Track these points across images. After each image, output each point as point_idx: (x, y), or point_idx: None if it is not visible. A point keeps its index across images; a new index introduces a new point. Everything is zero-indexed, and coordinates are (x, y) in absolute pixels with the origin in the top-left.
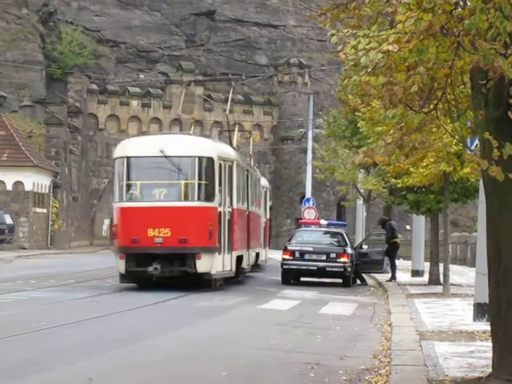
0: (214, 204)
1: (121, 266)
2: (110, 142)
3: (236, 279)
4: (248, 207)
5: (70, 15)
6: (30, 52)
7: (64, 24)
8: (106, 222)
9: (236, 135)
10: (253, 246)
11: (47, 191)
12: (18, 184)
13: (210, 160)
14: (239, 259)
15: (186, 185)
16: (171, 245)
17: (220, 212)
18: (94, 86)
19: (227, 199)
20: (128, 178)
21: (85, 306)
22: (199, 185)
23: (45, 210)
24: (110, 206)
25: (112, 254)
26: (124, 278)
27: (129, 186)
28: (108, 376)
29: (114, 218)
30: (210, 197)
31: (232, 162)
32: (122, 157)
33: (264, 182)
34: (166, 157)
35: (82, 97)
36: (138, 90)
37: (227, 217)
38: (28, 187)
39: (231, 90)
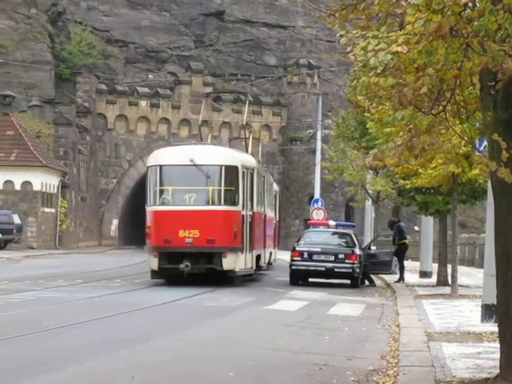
0: (238, 208)
1: (154, 263)
2: (118, 142)
3: (252, 276)
4: (264, 210)
5: (78, 15)
6: (39, 52)
7: (73, 24)
8: (115, 222)
9: (251, 142)
10: (267, 245)
11: (55, 191)
12: (26, 184)
13: (235, 168)
14: (258, 258)
15: (213, 190)
16: (200, 244)
17: (243, 215)
18: (103, 86)
19: (249, 203)
20: (161, 184)
21: (93, 306)
22: (225, 190)
23: (53, 210)
24: (118, 206)
25: (120, 255)
26: (156, 274)
27: (162, 192)
28: (115, 375)
29: (148, 220)
30: (234, 201)
31: (253, 169)
32: (156, 165)
33: (275, 185)
34: (195, 165)
35: (91, 97)
36: (146, 90)
37: (249, 219)
38: (36, 187)
39: (247, 102)
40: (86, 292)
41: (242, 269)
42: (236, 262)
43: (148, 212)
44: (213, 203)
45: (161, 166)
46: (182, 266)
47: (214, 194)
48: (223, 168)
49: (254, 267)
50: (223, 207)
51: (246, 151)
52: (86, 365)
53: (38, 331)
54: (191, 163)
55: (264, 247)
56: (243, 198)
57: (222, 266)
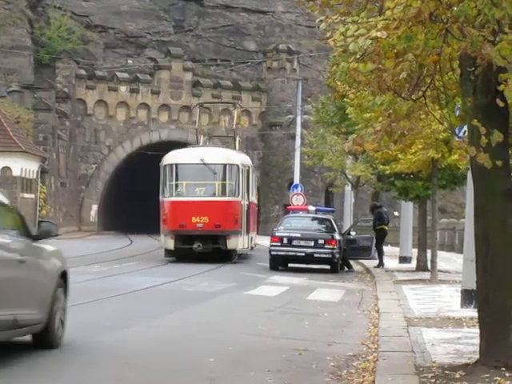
0: (238, 199)
1: (170, 244)
2: (98, 127)
3: (247, 254)
4: (253, 199)
5: (58, 0)
6: (18, 37)
7: (52, 9)
8: (94, 207)
9: (238, 143)
10: (254, 229)
11: (35, 177)
12: (5, 169)
13: (236, 166)
14: (251, 239)
15: (219, 184)
16: (209, 229)
17: (241, 204)
18: (83, 72)
19: (245, 195)
20: (177, 179)
21: (72, 291)
22: (228, 184)
23: (33, 196)
24: (97, 192)
25: (99, 240)
26: (171, 253)
27: (177, 185)
28: (95, 361)
29: (165, 208)
30: (235, 193)
31: (249, 167)
32: (172, 163)
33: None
34: (204, 164)
35: (71, 82)
36: (126, 75)
37: (245, 208)
38: (16, 173)
39: (235, 111)
40: None
41: (241, 248)
42: (237, 242)
43: (165, 202)
44: (219, 195)
45: (177, 165)
46: (195, 246)
47: (219, 187)
48: (227, 166)
49: (250, 247)
50: (227, 198)
51: (235, 148)
52: (65, 349)
53: None
54: (201, 162)
55: (254, 231)
56: (242, 190)
57: (226, 246)
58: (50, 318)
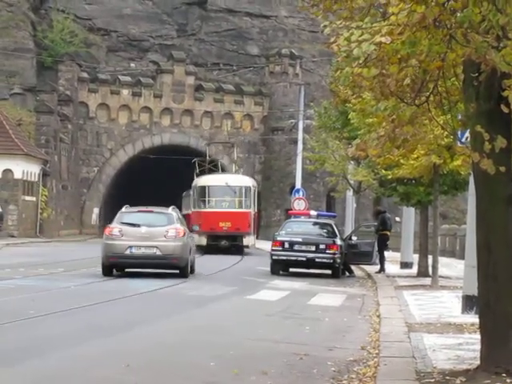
0: (250, 210)
1: (203, 241)
2: (100, 130)
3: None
4: (256, 210)
5: (61, 3)
6: (21, 40)
7: (55, 12)
8: (96, 210)
9: (236, 150)
10: (255, 231)
11: (36, 179)
12: (7, 172)
13: (249, 187)
14: (255, 238)
15: (238, 200)
16: (231, 231)
17: (251, 214)
18: (85, 75)
19: (253, 207)
20: (209, 196)
21: (73, 294)
22: (244, 200)
23: (34, 199)
24: (99, 195)
25: (100, 243)
26: (203, 248)
27: (209, 201)
28: (94, 364)
29: (200, 216)
30: (248, 206)
31: (255, 187)
32: (205, 185)
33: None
34: (228, 186)
35: (73, 85)
36: (128, 78)
37: (253, 216)
38: (17, 175)
39: (235, 150)
40: (67, 280)
41: (251, 245)
42: (249, 240)
43: (200, 212)
44: (238, 207)
45: (209, 186)
46: (222, 243)
47: (238, 202)
48: (243, 187)
49: (254, 243)
50: (243, 210)
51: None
52: (67, 353)
53: (18, 320)
54: (226, 185)
55: (255, 232)
56: (251, 204)
57: (242, 243)
58: None
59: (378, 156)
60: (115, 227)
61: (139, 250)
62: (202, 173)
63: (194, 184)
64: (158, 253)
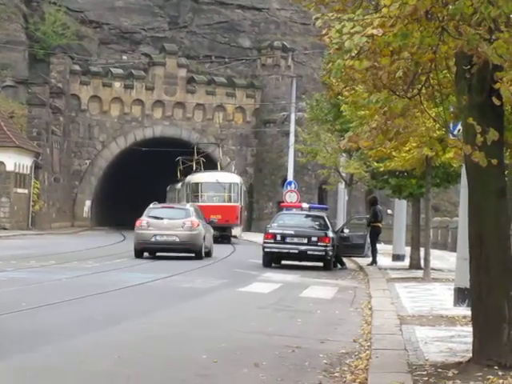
0: (238, 204)
1: None
2: (92, 123)
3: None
4: (243, 204)
5: None
6: (13, 32)
7: (47, 4)
8: (88, 203)
9: (221, 150)
10: (242, 223)
11: (28, 172)
12: None
13: (237, 184)
14: (242, 229)
15: (227, 195)
16: (221, 222)
17: (239, 207)
18: (77, 67)
19: (240, 201)
20: (201, 192)
21: (65, 287)
22: (232, 195)
23: (26, 191)
24: (91, 187)
25: (93, 236)
26: None
27: (202, 195)
28: (86, 357)
29: None
30: (236, 200)
31: (242, 183)
32: (199, 182)
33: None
34: (218, 182)
35: (65, 78)
36: (120, 71)
37: (240, 210)
38: (9, 167)
39: (220, 150)
40: (58, 273)
41: (239, 235)
42: (237, 231)
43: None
44: (227, 201)
45: (201, 183)
46: (213, 233)
47: (227, 197)
48: (232, 184)
49: (241, 233)
50: (232, 204)
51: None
52: (59, 346)
53: (10, 312)
54: (216, 181)
55: (242, 224)
56: (239, 199)
57: (231, 233)
58: None
59: (370, 148)
60: (144, 220)
61: (162, 237)
62: (187, 169)
63: (187, 180)
64: (177, 240)
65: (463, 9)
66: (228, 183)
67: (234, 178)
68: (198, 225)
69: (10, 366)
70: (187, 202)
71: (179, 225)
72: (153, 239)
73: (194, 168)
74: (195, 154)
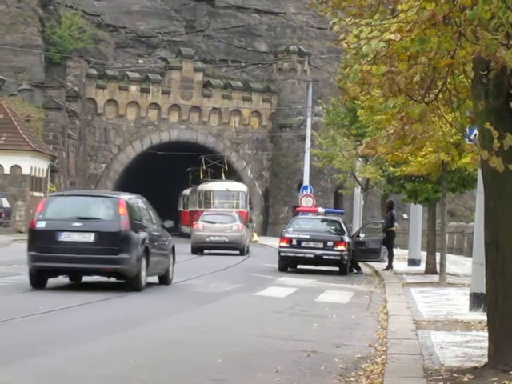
0: (245, 209)
1: None
2: (108, 126)
3: None
4: (248, 210)
5: None
6: (30, 36)
7: (64, 8)
8: None
9: (224, 171)
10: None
11: (44, 175)
12: (15, 168)
13: (244, 192)
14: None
15: (236, 202)
16: None
17: (246, 212)
18: (93, 71)
19: (247, 207)
20: (213, 198)
21: (82, 290)
22: (240, 202)
23: (42, 194)
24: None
25: None
26: None
27: (213, 202)
28: (100, 361)
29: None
30: (244, 207)
31: (248, 191)
32: (210, 190)
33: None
34: (228, 191)
35: (81, 81)
36: (137, 75)
37: (246, 215)
38: (25, 171)
39: (224, 164)
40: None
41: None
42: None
43: (205, 211)
44: (235, 208)
45: (213, 191)
46: None
47: (236, 203)
48: (240, 192)
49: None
50: (240, 209)
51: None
52: (74, 350)
53: (26, 315)
54: (226, 190)
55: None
56: (245, 205)
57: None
58: None
59: (387, 153)
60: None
61: (214, 238)
62: (196, 179)
63: (199, 188)
64: (226, 240)
65: (481, 14)
66: (236, 191)
67: (242, 187)
68: (243, 228)
69: (24, 370)
70: (200, 207)
71: (228, 228)
72: (207, 239)
73: (202, 177)
74: (203, 164)
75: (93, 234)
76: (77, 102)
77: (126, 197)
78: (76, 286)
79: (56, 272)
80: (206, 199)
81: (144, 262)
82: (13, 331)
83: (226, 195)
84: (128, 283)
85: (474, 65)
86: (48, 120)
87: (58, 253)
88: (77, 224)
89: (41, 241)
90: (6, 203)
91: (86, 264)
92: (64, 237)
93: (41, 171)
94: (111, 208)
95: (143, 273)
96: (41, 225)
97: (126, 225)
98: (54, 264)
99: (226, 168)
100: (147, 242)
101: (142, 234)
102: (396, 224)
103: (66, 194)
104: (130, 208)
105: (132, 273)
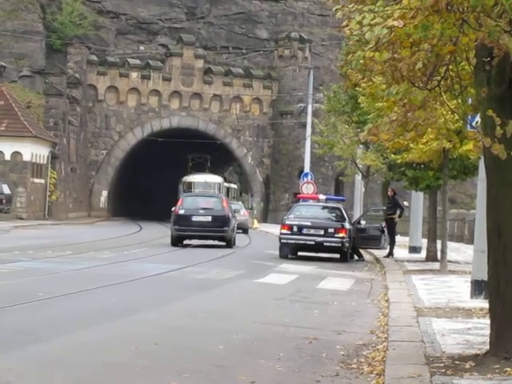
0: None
1: None
2: (108, 113)
3: None
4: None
5: None
6: (30, 22)
7: None
8: (104, 193)
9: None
10: None
11: (45, 162)
12: (16, 154)
13: (220, 183)
14: None
15: (212, 191)
16: None
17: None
18: (94, 57)
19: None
20: (193, 188)
21: (81, 277)
22: (216, 191)
23: (43, 181)
24: (107, 178)
25: (109, 226)
26: None
27: (194, 191)
28: (103, 348)
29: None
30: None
31: (223, 182)
32: (191, 181)
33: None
34: (206, 182)
35: (82, 68)
36: (137, 61)
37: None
38: (26, 157)
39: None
40: (75, 263)
41: None
42: None
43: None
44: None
45: (193, 182)
46: None
47: (212, 192)
48: (216, 183)
49: None
50: None
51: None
52: (75, 336)
53: (26, 302)
54: (204, 181)
55: None
56: (221, 193)
57: None
58: None
59: (389, 140)
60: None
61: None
62: (196, 166)
63: (183, 180)
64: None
65: (484, 0)
66: (213, 183)
67: (218, 179)
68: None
69: (26, 356)
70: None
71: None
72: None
73: (189, 171)
74: (190, 161)
75: (210, 217)
76: (77, 88)
77: (225, 197)
78: (77, 274)
79: (190, 237)
80: (188, 189)
81: (234, 233)
82: (13, 317)
83: (203, 186)
84: (227, 244)
85: (477, 52)
86: (49, 106)
87: (191, 226)
88: (201, 211)
89: (182, 220)
90: (6, 189)
91: (207, 233)
92: (194, 218)
93: (41, 157)
94: (219, 203)
95: (233, 238)
96: (181, 211)
97: (227, 212)
98: (189, 233)
99: (209, 165)
100: (234, 222)
101: (233, 218)
102: (400, 211)
103: (193, 195)
104: (228, 203)
105: (229, 238)
